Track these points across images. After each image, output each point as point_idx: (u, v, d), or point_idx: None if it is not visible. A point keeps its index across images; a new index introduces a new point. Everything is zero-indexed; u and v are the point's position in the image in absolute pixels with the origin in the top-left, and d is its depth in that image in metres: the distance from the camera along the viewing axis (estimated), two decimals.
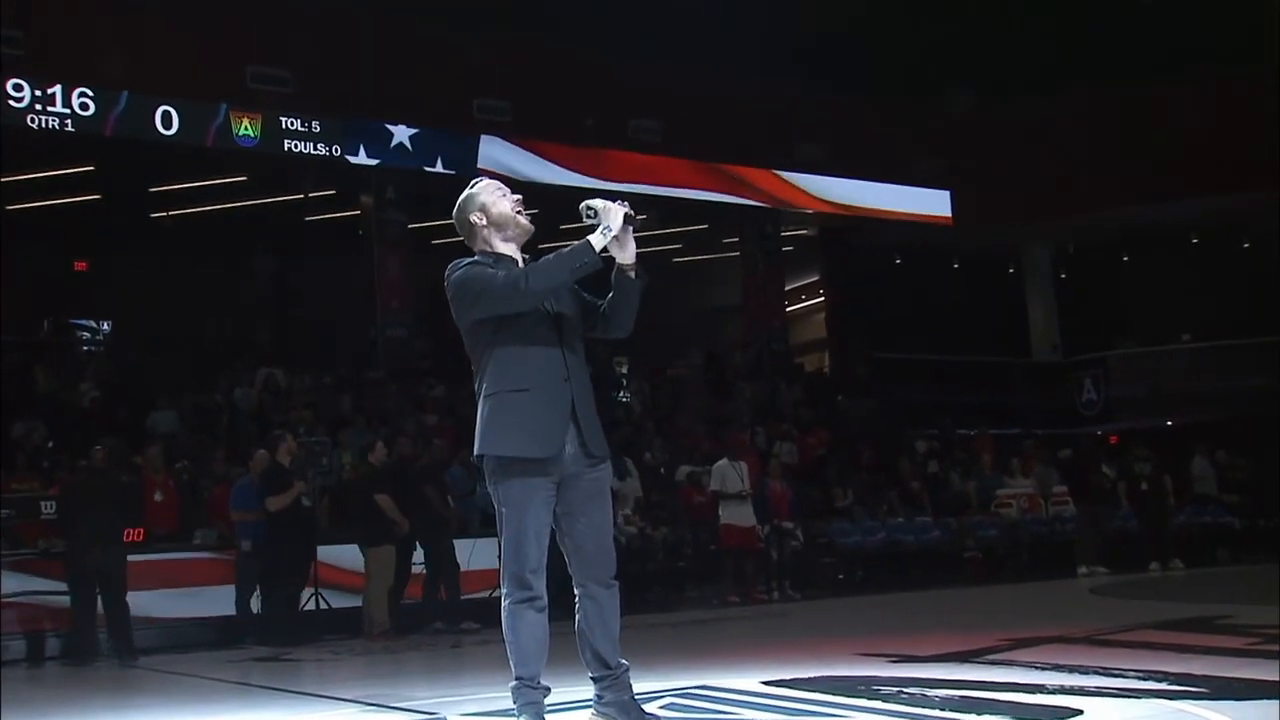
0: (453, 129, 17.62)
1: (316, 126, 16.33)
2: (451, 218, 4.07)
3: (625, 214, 3.84)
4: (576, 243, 3.82)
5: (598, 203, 3.87)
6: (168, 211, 18.90)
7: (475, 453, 3.88)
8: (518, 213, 4.00)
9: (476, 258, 3.95)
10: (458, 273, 3.90)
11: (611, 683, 3.92)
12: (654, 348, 19.81)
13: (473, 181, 4.10)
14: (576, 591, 3.94)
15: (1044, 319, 23.46)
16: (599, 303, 4.00)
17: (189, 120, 15.42)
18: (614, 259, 3.90)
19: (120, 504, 9.51)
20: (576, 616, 3.94)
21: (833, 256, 22.99)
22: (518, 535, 3.83)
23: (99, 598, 9.22)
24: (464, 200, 4.05)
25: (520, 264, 3.95)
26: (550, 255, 3.83)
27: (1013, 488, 16.17)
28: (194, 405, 14.70)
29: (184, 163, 16.68)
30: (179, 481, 12.01)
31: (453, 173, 16.96)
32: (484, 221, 3.99)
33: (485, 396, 3.86)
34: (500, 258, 3.95)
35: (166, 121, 15.24)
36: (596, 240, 3.80)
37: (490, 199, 4.00)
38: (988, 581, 13.92)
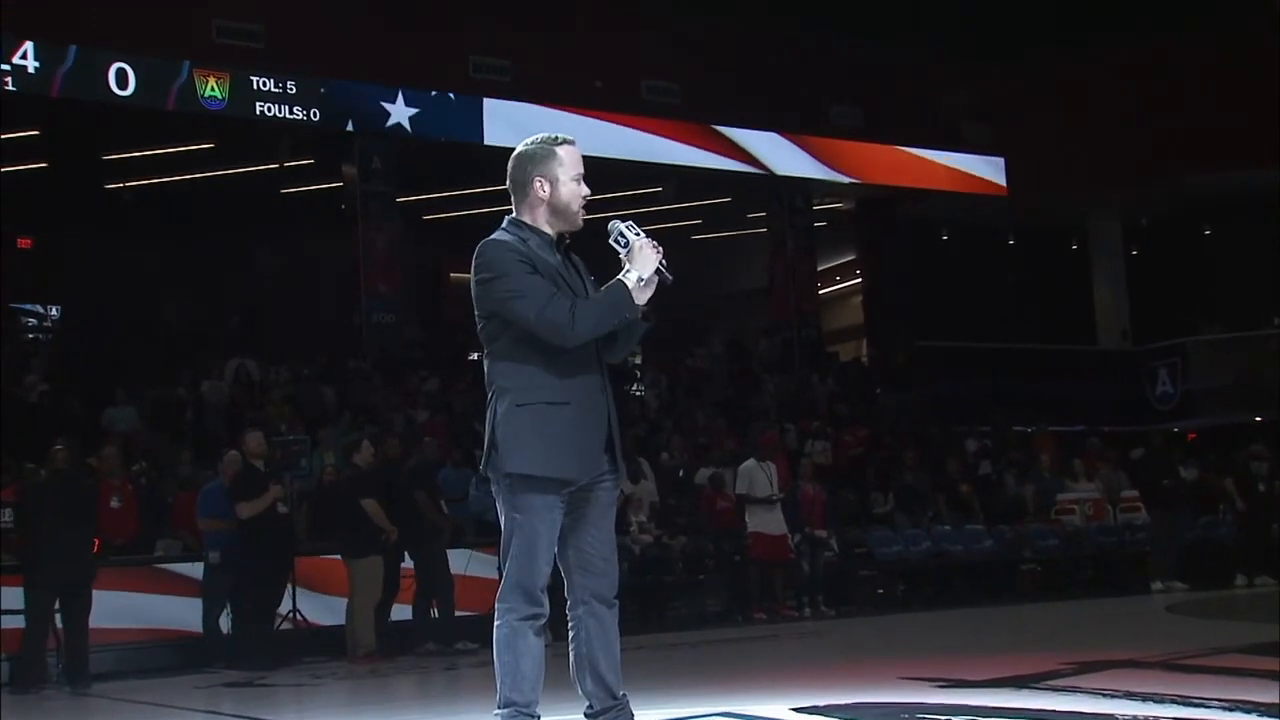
0: (447, 91, 17.60)
1: (292, 87, 16.34)
2: (513, 156, 3.97)
3: (659, 263, 3.87)
4: (615, 288, 3.84)
5: (634, 236, 3.90)
6: (124, 182, 18.94)
7: (507, 470, 3.82)
8: (580, 209, 3.96)
9: (517, 240, 3.89)
10: (501, 255, 3.85)
11: (616, 715, 3.93)
12: (671, 336, 19.80)
13: (560, 137, 4.00)
14: (576, 610, 3.95)
15: (1112, 301, 23.36)
16: None
17: (147, 79, 15.43)
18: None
19: (84, 511, 9.53)
20: (573, 639, 3.95)
21: (871, 232, 22.94)
22: (532, 545, 3.84)
23: (57, 617, 9.23)
24: (541, 152, 3.95)
25: (555, 240, 3.94)
26: (596, 298, 3.85)
27: (1076, 492, 16.10)
28: (155, 400, 14.74)
29: (142, 127, 16.70)
30: (138, 486, 12.04)
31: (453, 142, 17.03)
32: (544, 193, 3.93)
33: (518, 405, 3.83)
34: (536, 234, 3.92)
35: (121, 80, 15.25)
36: (630, 282, 3.84)
37: (566, 177, 3.93)
38: (1048, 597, 13.88)
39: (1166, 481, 14.46)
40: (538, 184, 3.92)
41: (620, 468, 3.99)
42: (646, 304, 3.89)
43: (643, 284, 3.85)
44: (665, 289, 3.90)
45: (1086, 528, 15.59)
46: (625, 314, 3.84)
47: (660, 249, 3.89)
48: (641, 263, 3.85)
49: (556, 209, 3.93)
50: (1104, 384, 21.84)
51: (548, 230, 3.94)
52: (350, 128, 16.98)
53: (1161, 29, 20.26)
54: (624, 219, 3.94)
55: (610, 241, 3.92)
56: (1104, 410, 20.94)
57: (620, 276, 3.86)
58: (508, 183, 3.98)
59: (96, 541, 10.14)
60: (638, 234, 3.91)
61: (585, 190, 3.96)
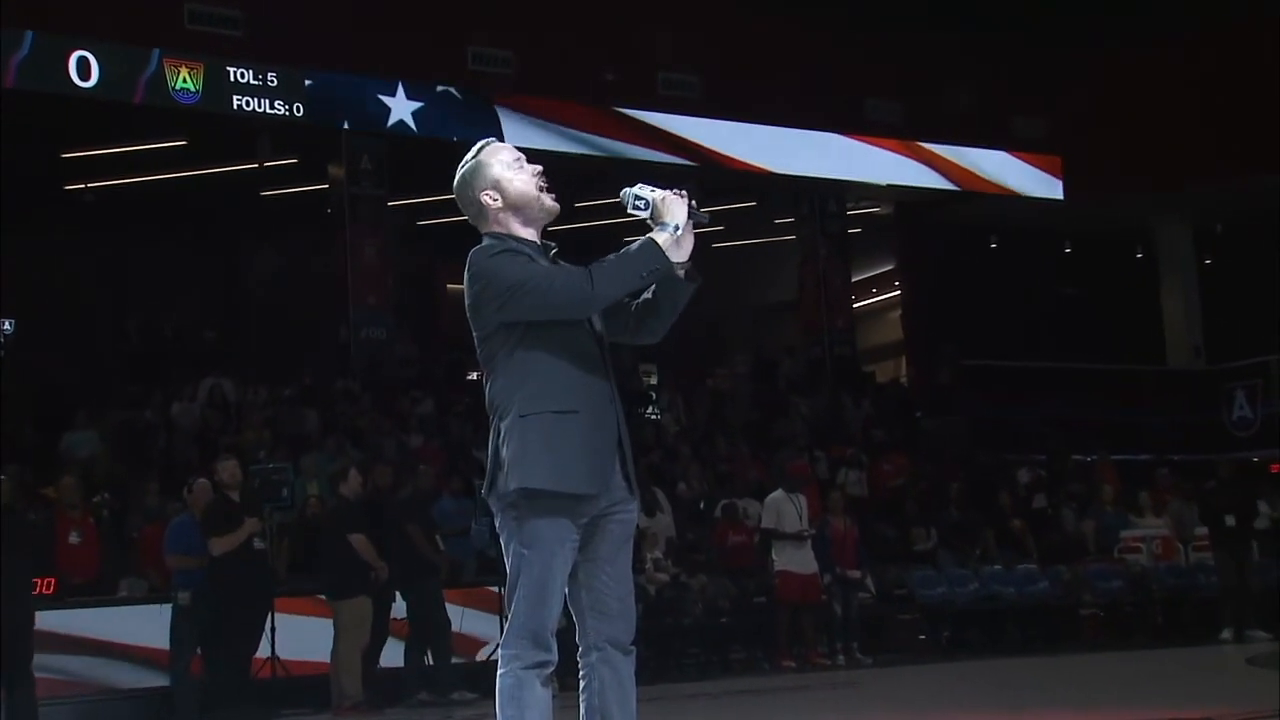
0: (443, 85, 17.65)
1: (273, 79, 16.38)
2: (452, 191, 4.06)
3: (689, 207, 3.89)
4: (639, 242, 3.86)
5: (651, 192, 3.93)
6: (86, 183, 19.01)
7: (514, 485, 3.82)
8: (541, 190, 4.01)
9: (503, 244, 3.94)
10: (488, 260, 3.89)
11: None
12: (690, 353, 19.78)
13: (479, 145, 4.09)
14: (589, 658, 3.95)
15: (1183, 315, 23.28)
16: (625, 301, 4.04)
17: (113, 69, 15.47)
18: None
19: (28, 548, 9.52)
20: (584, 689, 3.94)
21: (911, 239, 22.92)
22: (541, 584, 3.83)
23: None
24: (470, 171, 4.04)
25: (541, 249, 3.98)
26: (613, 256, 3.86)
27: (1142, 528, 16.04)
28: (119, 423, 14.77)
29: (106, 122, 16.76)
30: (100, 519, 12.06)
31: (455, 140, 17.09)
32: (499, 202, 3.99)
33: (521, 416, 3.84)
34: (521, 243, 3.96)
35: (84, 70, 15.29)
36: (662, 239, 3.86)
37: (506, 173, 4.00)
38: (1111, 646, 13.84)
39: (1230, 518, 14.34)
40: (486, 197, 3.99)
41: (636, 492, 3.98)
42: (689, 260, 3.92)
43: (679, 234, 3.88)
44: (701, 225, 3.91)
45: (1154, 568, 15.51)
46: (653, 265, 3.84)
47: (685, 193, 3.92)
48: (671, 213, 3.88)
49: (519, 206, 3.99)
50: (1174, 408, 21.72)
51: (525, 236, 3.98)
52: (346, 127, 17.01)
53: (1236, 10, 20.19)
54: (631, 184, 3.97)
55: (629, 210, 3.94)
56: (1174, 437, 20.83)
57: (648, 235, 3.88)
58: (469, 220, 4.06)
59: (53, 582, 10.16)
60: (653, 189, 3.93)
61: (536, 168, 4.02)
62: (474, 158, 4.04)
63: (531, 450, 3.81)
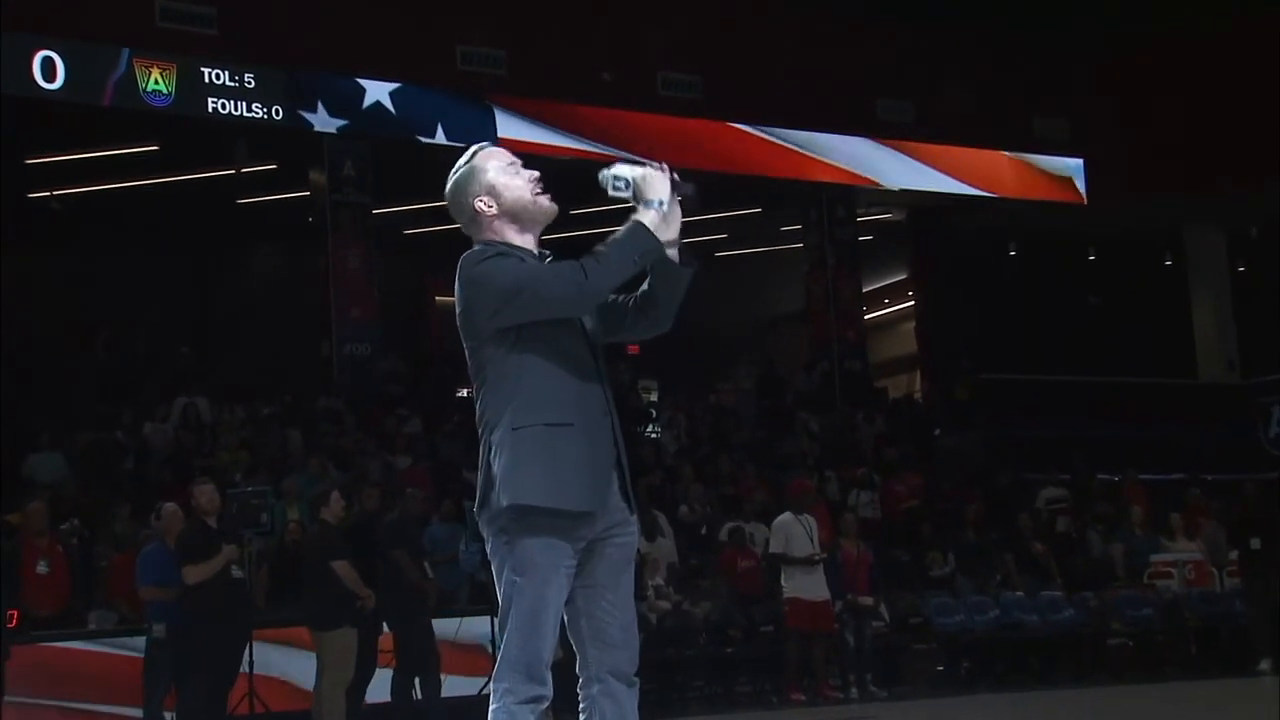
0: (431, 85, 17.69)
1: (250, 80, 16.41)
2: (444, 198, 4.06)
3: (672, 181, 3.90)
4: (625, 225, 3.88)
5: (630, 170, 3.95)
6: (51, 190, 19.03)
7: (505, 502, 3.81)
8: (538, 194, 4.02)
9: (493, 249, 3.95)
10: (479, 265, 3.90)
11: None
12: (693, 367, 19.79)
13: (472, 149, 4.10)
14: (589, 690, 3.94)
15: (1215, 325, 23.31)
16: (621, 298, 4.05)
17: (80, 70, 15.52)
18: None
19: None
20: None
21: (925, 247, 22.97)
22: (534, 612, 3.82)
23: None
24: (463, 177, 4.04)
25: (538, 257, 3.98)
26: (601, 245, 3.87)
27: (1173, 552, 16.02)
28: (88, 445, 14.76)
29: (73, 126, 16.78)
30: (68, 547, 12.04)
31: (446, 143, 17.12)
32: (494, 209, 4.00)
33: (513, 429, 3.84)
34: (514, 249, 3.97)
35: (49, 71, 15.33)
36: (649, 218, 3.87)
37: (501, 179, 4.01)
38: (1140, 678, 13.82)
39: (1256, 540, 14.31)
40: (482, 204, 4.00)
41: (635, 511, 3.98)
42: (680, 238, 3.93)
43: (664, 210, 3.89)
44: (692, 201, 3.93)
45: (1187, 595, 15.49)
46: (644, 247, 3.85)
47: (665, 166, 3.93)
48: (654, 189, 3.90)
49: (515, 211, 4.00)
50: (1206, 424, 21.67)
51: (521, 244, 4.00)
52: (320, 107, 17.01)
53: (1269, 5, 20.22)
54: (608, 166, 3.98)
55: (610, 193, 3.95)
56: (1207, 455, 20.78)
57: (634, 217, 3.89)
58: (462, 229, 4.07)
59: (14, 614, 10.13)
60: (632, 167, 3.95)
61: (532, 173, 4.04)
62: (467, 162, 4.05)
63: (524, 464, 3.80)
